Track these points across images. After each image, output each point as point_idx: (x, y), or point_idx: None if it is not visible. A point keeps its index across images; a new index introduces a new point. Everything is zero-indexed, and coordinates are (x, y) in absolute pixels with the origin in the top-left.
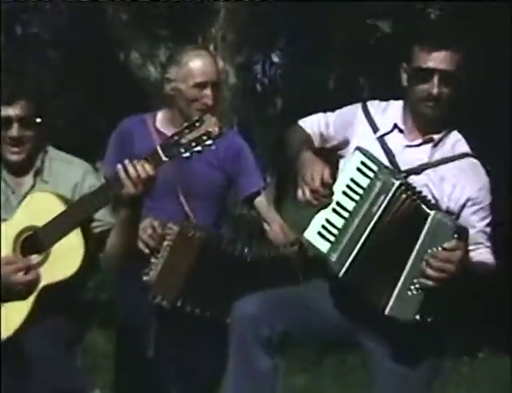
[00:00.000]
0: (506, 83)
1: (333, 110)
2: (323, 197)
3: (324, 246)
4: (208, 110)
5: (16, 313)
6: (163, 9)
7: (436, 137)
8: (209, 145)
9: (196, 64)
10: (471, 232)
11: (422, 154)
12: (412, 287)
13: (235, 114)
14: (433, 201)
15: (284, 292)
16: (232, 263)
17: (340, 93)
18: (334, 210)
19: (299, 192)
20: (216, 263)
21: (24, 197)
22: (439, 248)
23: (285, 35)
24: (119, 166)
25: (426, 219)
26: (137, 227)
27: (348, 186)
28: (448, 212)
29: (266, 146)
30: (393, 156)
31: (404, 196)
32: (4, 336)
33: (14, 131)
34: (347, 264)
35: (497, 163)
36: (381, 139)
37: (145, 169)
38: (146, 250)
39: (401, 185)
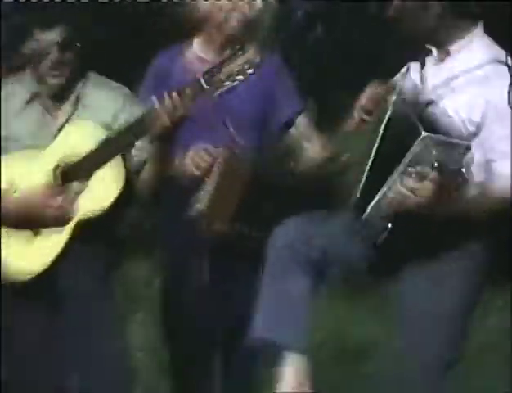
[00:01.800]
0: None
1: (375, 33)
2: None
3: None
4: (245, 19)
5: (48, 248)
6: None
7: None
8: (251, 73)
9: None
10: (490, 144)
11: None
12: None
13: (275, 37)
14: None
15: (326, 214)
16: (278, 186)
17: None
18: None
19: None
20: (264, 187)
21: (65, 124)
22: (416, 169)
23: None
24: (155, 99)
25: (416, 138)
26: (171, 160)
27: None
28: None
29: (306, 71)
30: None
31: (402, 115)
32: (40, 268)
33: (54, 54)
34: (360, 185)
35: None
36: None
37: (185, 97)
38: (198, 174)
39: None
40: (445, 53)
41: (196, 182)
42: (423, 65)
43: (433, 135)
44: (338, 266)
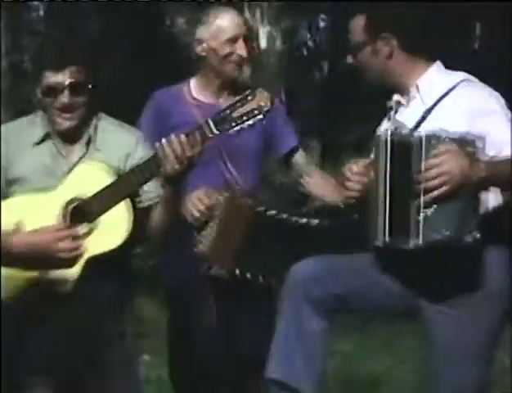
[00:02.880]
0: None
1: None
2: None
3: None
4: (242, 62)
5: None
6: None
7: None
8: (260, 119)
9: (225, 20)
10: (493, 137)
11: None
12: (427, 211)
13: (282, 79)
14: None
15: (339, 257)
16: (282, 228)
17: None
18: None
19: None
20: (267, 228)
21: (75, 165)
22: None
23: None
24: (164, 142)
25: (409, 145)
26: (180, 202)
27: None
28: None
29: (312, 110)
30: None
31: (392, 143)
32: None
33: (64, 97)
34: (383, 229)
35: None
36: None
37: (192, 143)
38: (199, 217)
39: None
40: (409, 93)
41: (200, 223)
42: (396, 111)
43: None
44: (359, 305)
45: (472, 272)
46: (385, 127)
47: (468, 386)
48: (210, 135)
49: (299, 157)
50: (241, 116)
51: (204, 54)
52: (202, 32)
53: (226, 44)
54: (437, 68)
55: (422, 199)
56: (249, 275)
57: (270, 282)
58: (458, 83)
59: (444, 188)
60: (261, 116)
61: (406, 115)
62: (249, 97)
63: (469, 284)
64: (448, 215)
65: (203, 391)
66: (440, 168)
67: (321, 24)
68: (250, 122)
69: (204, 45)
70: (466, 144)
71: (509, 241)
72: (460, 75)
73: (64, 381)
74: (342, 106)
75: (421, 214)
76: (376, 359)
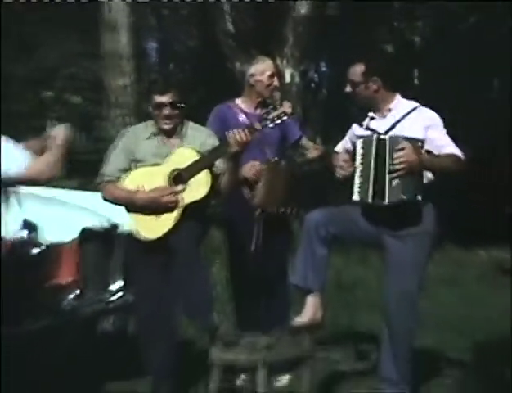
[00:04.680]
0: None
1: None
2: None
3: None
4: (275, 89)
5: (165, 222)
6: (256, 38)
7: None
8: (285, 120)
9: (267, 63)
10: (437, 141)
11: (388, 121)
12: (393, 182)
13: (299, 100)
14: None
15: (337, 209)
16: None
17: None
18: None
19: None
20: (294, 183)
21: (174, 150)
22: (395, 152)
23: (328, 54)
24: (230, 133)
25: (384, 142)
26: (238, 171)
27: (359, 158)
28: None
29: (317, 119)
30: (373, 130)
31: (376, 138)
32: (153, 236)
33: (166, 111)
34: (370, 193)
35: None
36: (367, 127)
37: (246, 134)
38: (253, 178)
39: (378, 136)
40: (385, 112)
41: (252, 183)
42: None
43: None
44: (347, 239)
45: (414, 218)
46: (360, 131)
47: (407, 289)
48: (258, 129)
49: (303, 141)
50: (274, 118)
51: (253, 83)
52: (252, 70)
53: (269, 77)
54: (398, 97)
55: (388, 176)
56: (286, 211)
57: (298, 214)
58: (416, 107)
59: (403, 170)
60: (286, 118)
61: (382, 125)
62: (279, 106)
63: (413, 225)
64: (404, 186)
65: (250, 288)
66: (401, 157)
67: (323, 68)
68: (279, 121)
69: (253, 78)
70: (416, 143)
71: (436, 200)
72: (414, 103)
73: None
74: (334, 117)
75: (387, 185)
76: (355, 270)
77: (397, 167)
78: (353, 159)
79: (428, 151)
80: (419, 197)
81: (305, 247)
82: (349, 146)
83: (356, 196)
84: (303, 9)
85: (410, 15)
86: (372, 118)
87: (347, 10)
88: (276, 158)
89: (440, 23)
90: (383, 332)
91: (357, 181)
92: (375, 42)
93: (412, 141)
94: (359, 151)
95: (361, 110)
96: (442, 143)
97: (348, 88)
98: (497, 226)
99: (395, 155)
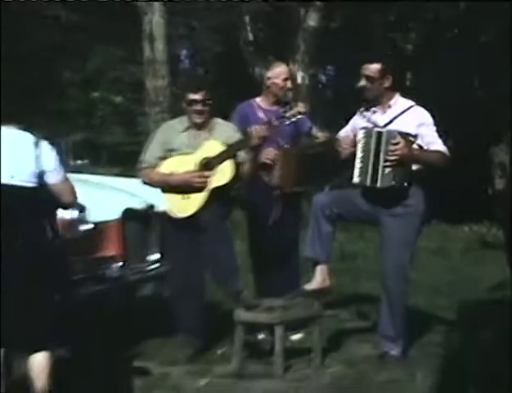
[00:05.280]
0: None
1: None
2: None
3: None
4: (289, 90)
5: (195, 202)
6: (272, 46)
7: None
8: (300, 117)
9: (282, 68)
10: (427, 138)
11: (388, 115)
12: (386, 170)
13: (308, 99)
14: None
15: (340, 192)
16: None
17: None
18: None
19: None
20: (304, 165)
21: (204, 141)
22: (390, 145)
23: (333, 60)
24: (251, 128)
25: (381, 135)
26: (258, 160)
27: (361, 146)
28: (408, 134)
29: (323, 115)
30: (376, 123)
31: (376, 131)
32: (185, 214)
33: (198, 107)
34: (368, 178)
35: None
36: (369, 119)
37: (265, 129)
38: (269, 162)
39: (378, 130)
40: (386, 108)
41: (269, 171)
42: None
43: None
44: (348, 217)
45: (405, 200)
46: (362, 123)
47: (400, 259)
48: (276, 125)
49: (314, 131)
50: (290, 116)
51: (269, 85)
52: (269, 74)
53: (283, 81)
54: (398, 96)
55: (382, 164)
56: (298, 189)
57: (309, 191)
58: (412, 106)
59: (395, 161)
60: (300, 116)
61: (382, 119)
62: (293, 105)
63: (404, 206)
64: (394, 174)
65: (267, 259)
66: (395, 151)
67: (329, 72)
68: (294, 119)
69: (270, 80)
70: (409, 138)
71: (426, 183)
72: (410, 102)
73: None
74: (337, 113)
75: (380, 172)
76: (356, 244)
77: (391, 158)
78: (353, 144)
79: (419, 146)
80: (406, 184)
81: (313, 225)
82: (350, 133)
83: (356, 179)
84: (311, 21)
85: (404, 26)
86: (374, 112)
87: (349, 22)
88: (288, 145)
89: (429, 34)
90: (381, 296)
91: (357, 166)
92: (372, 48)
93: (406, 136)
94: (361, 140)
95: (366, 103)
96: (431, 140)
97: (363, 82)
98: (479, 205)
99: (390, 147)
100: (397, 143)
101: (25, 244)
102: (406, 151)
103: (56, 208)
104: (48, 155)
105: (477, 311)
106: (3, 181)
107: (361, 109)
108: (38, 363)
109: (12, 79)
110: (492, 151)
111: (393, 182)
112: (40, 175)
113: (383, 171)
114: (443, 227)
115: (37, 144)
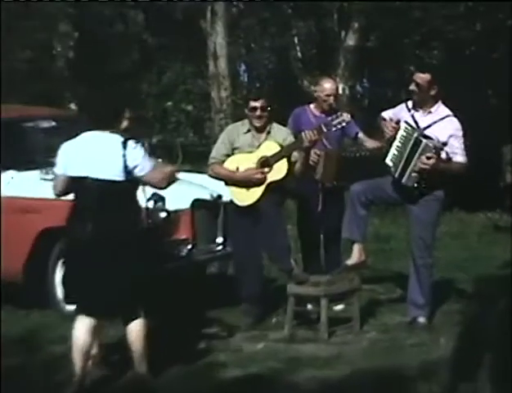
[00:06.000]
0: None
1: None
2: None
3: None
4: (334, 100)
5: (255, 193)
6: (318, 62)
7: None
8: (345, 126)
9: (327, 85)
10: (454, 149)
11: (428, 119)
12: (413, 173)
13: (348, 106)
14: (431, 138)
15: (373, 181)
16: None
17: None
18: (396, 149)
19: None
20: (348, 165)
21: (262, 142)
22: (424, 157)
23: (368, 74)
24: (303, 133)
25: (420, 142)
26: (308, 159)
27: (400, 137)
28: (439, 142)
29: (361, 120)
30: (417, 122)
31: (416, 136)
32: (246, 203)
33: (258, 112)
34: (398, 170)
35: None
36: (412, 115)
37: (315, 134)
38: (315, 161)
39: (418, 135)
40: (428, 112)
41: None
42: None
43: (428, 141)
44: (379, 202)
45: (425, 193)
46: (406, 115)
47: (425, 239)
48: (324, 131)
49: (361, 135)
50: (336, 124)
51: (316, 96)
52: (318, 88)
53: (326, 96)
54: (440, 103)
55: (411, 167)
56: (338, 184)
57: (346, 186)
58: (449, 115)
59: (423, 171)
60: (345, 124)
61: (423, 120)
62: (340, 114)
63: (427, 195)
64: (419, 179)
65: (314, 241)
66: (426, 164)
67: (365, 84)
68: (339, 126)
69: (316, 94)
70: (440, 150)
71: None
72: (448, 111)
73: None
74: (373, 118)
75: (407, 173)
76: (387, 227)
77: (421, 166)
78: (394, 131)
79: (445, 153)
80: (425, 188)
81: (350, 209)
82: (393, 117)
83: (389, 162)
84: (350, 41)
85: (428, 45)
86: (417, 110)
87: (382, 42)
88: (333, 147)
89: (451, 52)
90: (410, 270)
91: (393, 151)
92: (401, 64)
93: (439, 150)
94: (402, 132)
95: (413, 102)
96: (456, 151)
97: (413, 87)
98: (493, 196)
99: (423, 159)
100: (429, 158)
101: (117, 229)
102: (436, 165)
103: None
104: (134, 153)
105: (490, 284)
106: (97, 176)
107: (409, 103)
108: (135, 329)
109: (106, 92)
110: (503, 150)
111: (416, 185)
112: (127, 171)
113: (410, 173)
114: (462, 214)
115: (124, 144)
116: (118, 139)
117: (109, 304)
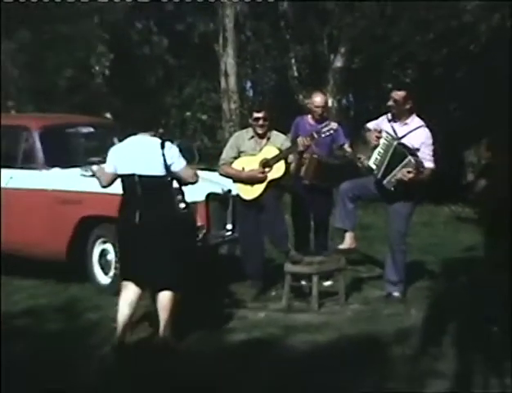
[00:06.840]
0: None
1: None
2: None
3: (373, 167)
4: (324, 111)
5: (258, 189)
6: (311, 80)
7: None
8: (333, 133)
9: (318, 98)
10: (424, 155)
11: (404, 129)
12: (393, 179)
13: (336, 117)
14: (409, 146)
15: (359, 180)
16: (333, 167)
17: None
18: (378, 154)
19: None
20: (326, 168)
21: (263, 147)
22: (405, 170)
23: (353, 90)
24: (298, 139)
25: (405, 156)
26: (302, 161)
27: (382, 145)
28: (414, 148)
29: (347, 130)
30: (395, 131)
31: (395, 144)
32: (250, 197)
33: (260, 122)
34: (380, 172)
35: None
36: (392, 126)
37: (308, 140)
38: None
39: (397, 143)
40: (404, 123)
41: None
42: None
43: (412, 158)
44: (365, 198)
45: (404, 192)
46: (386, 126)
47: (400, 228)
48: (315, 137)
49: (346, 146)
50: (325, 131)
51: (309, 108)
52: (311, 100)
53: (318, 106)
54: (414, 116)
55: (391, 174)
56: (318, 184)
57: (328, 186)
58: (421, 125)
59: (401, 180)
60: (332, 131)
61: (400, 130)
62: (328, 122)
63: (403, 194)
64: (397, 184)
65: (306, 229)
66: (405, 176)
67: (351, 98)
68: (328, 134)
69: (309, 105)
70: (419, 163)
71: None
72: (421, 122)
73: None
74: (358, 129)
75: (388, 178)
76: (369, 217)
77: (401, 177)
78: (377, 139)
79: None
80: (400, 190)
81: (341, 204)
82: (376, 127)
83: (372, 165)
84: (338, 63)
85: (403, 66)
86: (396, 121)
87: (365, 63)
88: (321, 151)
89: (423, 72)
90: (387, 253)
91: (375, 155)
92: (381, 82)
93: (418, 164)
94: (384, 140)
95: (392, 115)
96: (426, 157)
97: (391, 102)
98: (457, 191)
99: (404, 171)
100: (410, 172)
101: (160, 214)
102: (412, 179)
103: (180, 188)
104: (171, 152)
105: (454, 265)
106: (142, 173)
107: (389, 115)
108: (163, 298)
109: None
110: (465, 154)
111: (393, 189)
112: (166, 167)
113: (391, 178)
114: (431, 207)
115: (162, 145)
116: (157, 141)
117: (154, 276)
